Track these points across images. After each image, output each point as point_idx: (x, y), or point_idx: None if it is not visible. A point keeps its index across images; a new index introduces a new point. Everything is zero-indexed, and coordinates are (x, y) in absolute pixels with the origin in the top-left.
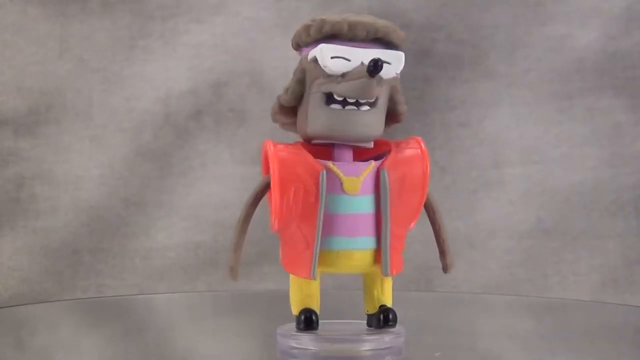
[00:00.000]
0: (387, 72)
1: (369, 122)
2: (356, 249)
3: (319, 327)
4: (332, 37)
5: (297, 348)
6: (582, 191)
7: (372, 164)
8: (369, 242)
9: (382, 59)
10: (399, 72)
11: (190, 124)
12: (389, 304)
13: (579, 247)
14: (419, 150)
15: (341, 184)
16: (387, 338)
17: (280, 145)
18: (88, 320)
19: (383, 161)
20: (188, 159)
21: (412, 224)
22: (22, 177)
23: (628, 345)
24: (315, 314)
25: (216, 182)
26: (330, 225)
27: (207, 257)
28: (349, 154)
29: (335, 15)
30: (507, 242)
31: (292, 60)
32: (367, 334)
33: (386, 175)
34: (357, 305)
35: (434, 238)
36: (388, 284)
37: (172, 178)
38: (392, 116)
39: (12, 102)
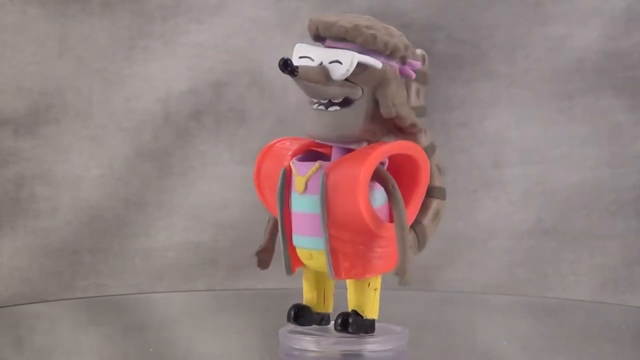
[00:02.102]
0: (337, 72)
1: (337, 123)
2: (310, 248)
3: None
4: (317, 37)
5: (298, 349)
6: (582, 191)
7: (317, 165)
8: (319, 242)
9: (336, 58)
10: (346, 72)
11: (190, 124)
12: (360, 309)
13: (579, 247)
14: (368, 154)
15: (294, 182)
16: (389, 340)
17: (283, 142)
18: (88, 319)
19: (331, 162)
20: (188, 159)
21: (374, 229)
22: (22, 177)
23: (628, 345)
24: (302, 308)
25: (216, 182)
26: (291, 223)
27: (207, 257)
28: (341, 155)
29: (315, 16)
30: (507, 242)
31: None
32: (370, 336)
33: (323, 177)
34: None
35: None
36: (360, 288)
37: (172, 178)
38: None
39: (12, 102)
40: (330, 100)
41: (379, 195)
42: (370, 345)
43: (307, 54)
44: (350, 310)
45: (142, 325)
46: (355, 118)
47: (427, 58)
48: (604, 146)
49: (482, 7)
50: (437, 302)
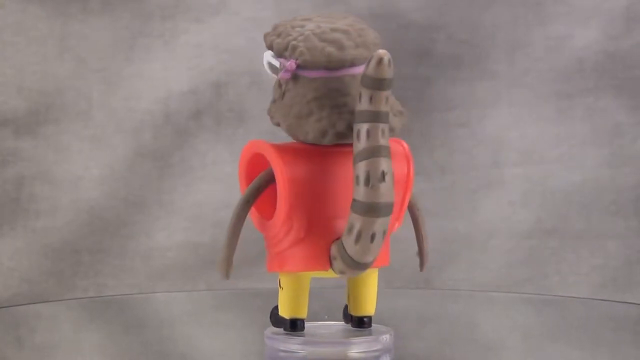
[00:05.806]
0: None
1: None
2: None
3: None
4: None
5: (284, 351)
6: (582, 191)
7: None
8: None
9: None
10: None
11: (190, 124)
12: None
13: (579, 247)
14: None
15: None
16: (375, 341)
17: None
18: (88, 319)
19: None
20: (188, 159)
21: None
22: (22, 177)
23: (628, 337)
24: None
25: (216, 182)
26: None
27: (207, 257)
28: None
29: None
30: (507, 242)
31: None
32: (356, 337)
33: None
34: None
35: (432, 238)
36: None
37: (172, 178)
38: None
39: (12, 102)
40: None
41: None
42: (357, 345)
43: None
44: None
45: (142, 325)
46: None
47: (382, 60)
48: (604, 146)
49: (482, 7)
50: (436, 299)
